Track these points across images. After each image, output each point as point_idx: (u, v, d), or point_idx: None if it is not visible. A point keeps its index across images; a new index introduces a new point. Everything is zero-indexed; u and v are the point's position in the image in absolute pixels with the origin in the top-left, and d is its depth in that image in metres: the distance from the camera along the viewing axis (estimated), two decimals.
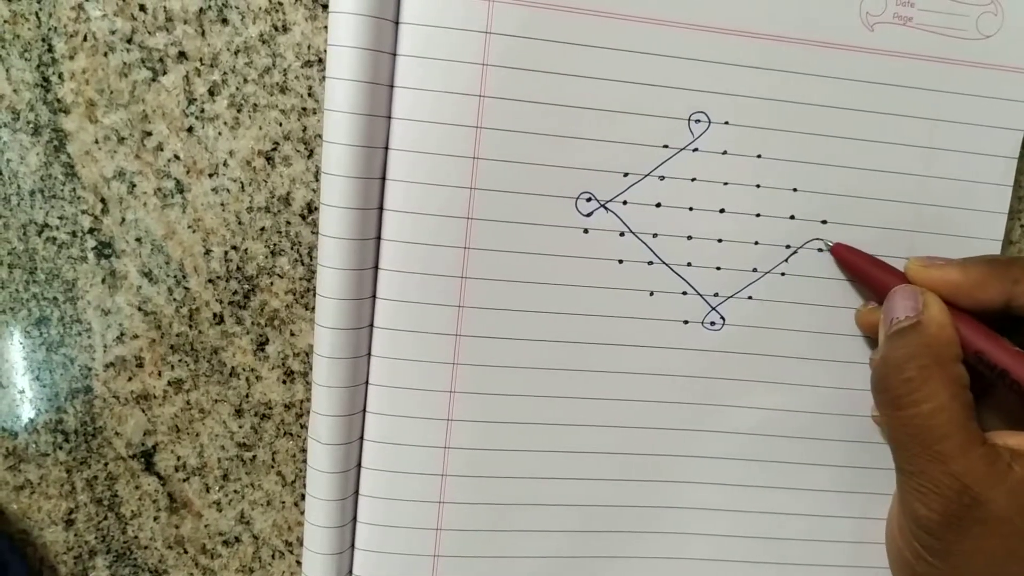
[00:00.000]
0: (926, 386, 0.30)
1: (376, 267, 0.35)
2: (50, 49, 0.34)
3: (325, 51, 0.34)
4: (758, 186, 0.36)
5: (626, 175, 0.35)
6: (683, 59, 0.34)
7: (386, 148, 0.34)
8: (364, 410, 0.36)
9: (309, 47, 0.35)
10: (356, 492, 0.37)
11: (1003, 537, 0.29)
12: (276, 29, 0.34)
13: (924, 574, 0.32)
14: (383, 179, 0.34)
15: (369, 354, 0.35)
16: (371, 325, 0.35)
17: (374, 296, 0.35)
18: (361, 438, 0.36)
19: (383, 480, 0.36)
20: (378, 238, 0.34)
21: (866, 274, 0.35)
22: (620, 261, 0.36)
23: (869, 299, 0.37)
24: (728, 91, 0.35)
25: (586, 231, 0.35)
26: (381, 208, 0.34)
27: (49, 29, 0.34)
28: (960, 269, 0.32)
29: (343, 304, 0.34)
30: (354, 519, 0.37)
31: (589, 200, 0.35)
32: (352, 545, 0.37)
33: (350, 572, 0.37)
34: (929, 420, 0.30)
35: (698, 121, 0.35)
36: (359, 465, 0.36)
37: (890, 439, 0.32)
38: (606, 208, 0.35)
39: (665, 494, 0.38)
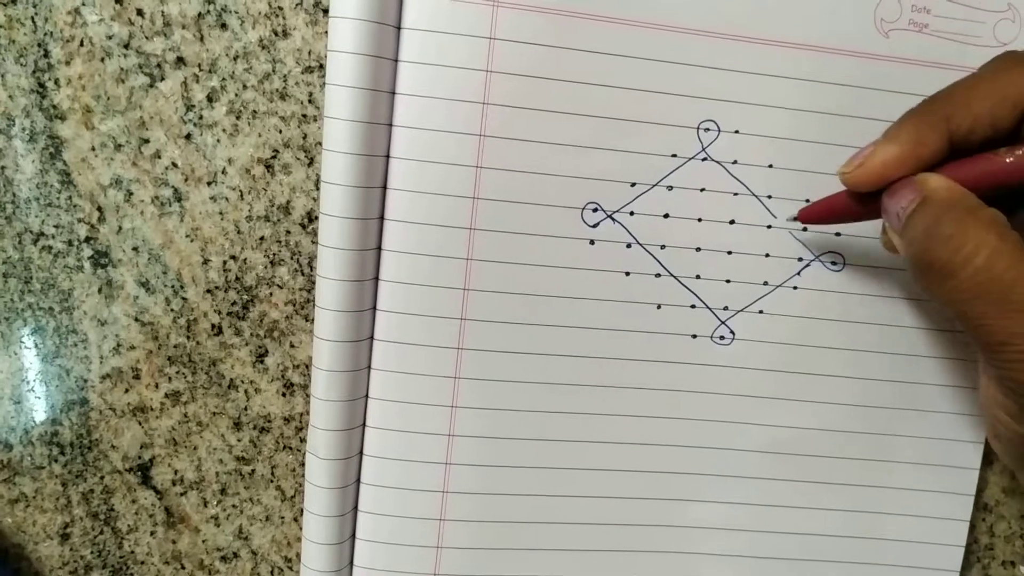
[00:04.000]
0: (969, 237, 0.27)
1: (376, 278, 0.34)
2: (46, 54, 0.34)
3: (326, 57, 0.33)
4: (769, 196, 0.35)
5: (633, 185, 0.34)
6: (692, 66, 0.34)
7: (387, 156, 0.33)
8: (364, 424, 0.35)
9: (310, 53, 0.34)
10: (355, 508, 0.36)
11: None
12: (276, 34, 0.34)
13: None
14: (384, 188, 0.33)
15: (369, 367, 0.35)
16: (371, 337, 0.34)
17: (374, 308, 0.34)
18: (361, 453, 0.35)
19: (383, 496, 0.35)
20: (379, 248, 0.34)
21: (841, 210, 0.33)
22: (627, 273, 0.35)
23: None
24: (738, 99, 0.34)
25: (592, 242, 0.35)
26: (382, 218, 0.33)
27: (45, 34, 0.33)
28: (890, 142, 0.29)
29: (342, 316, 0.33)
30: (353, 536, 0.36)
31: (595, 210, 0.34)
32: (351, 562, 0.36)
33: None
34: (990, 271, 0.26)
35: (707, 130, 0.34)
36: (358, 481, 0.36)
37: (960, 319, 0.28)
38: (613, 219, 0.35)
39: (672, 512, 0.37)
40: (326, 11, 0.34)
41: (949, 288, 0.28)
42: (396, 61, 0.32)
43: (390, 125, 0.33)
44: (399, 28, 0.32)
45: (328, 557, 0.35)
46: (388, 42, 0.32)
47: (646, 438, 0.36)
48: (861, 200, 0.31)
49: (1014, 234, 0.27)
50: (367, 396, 0.35)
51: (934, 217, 0.28)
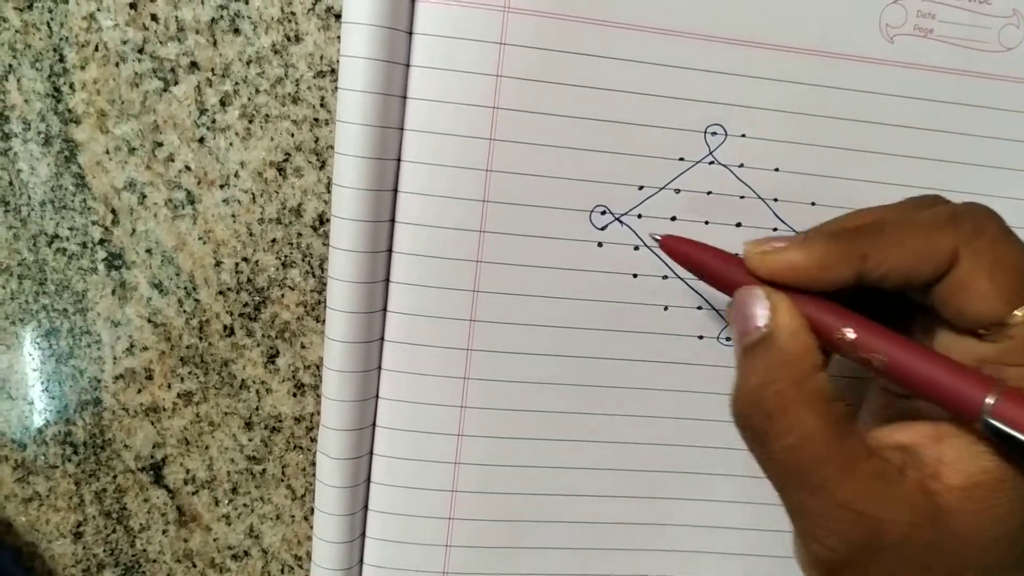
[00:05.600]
0: (787, 415, 0.26)
1: (387, 280, 0.34)
2: (61, 59, 0.34)
3: (338, 61, 0.33)
4: (775, 200, 0.35)
5: (641, 188, 0.35)
6: (700, 71, 0.34)
7: (398, 160, 0.33)
8: (374, 424, 0.35)
9: (322, 57, 0.34)
10: (365, 507, 0.36)
11: (915, 553, 0.25)
12: (288, 39, 0.34)
13: None
14: (395, 191, 0.33)
15: (380, 368, 0.35)
16: (382, 338, 0.35)
17: (385, 309, 0.34)
18: (371, 452, 0.36)
19: (393, 495, 0.36)
20: (389, 250, 0.34)
21: (704, 268, 0.31)
22: (635, 275, 0.35)
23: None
24: (745, 103, 0.34)
25: (600, 245, 0.35)
26: (393, 220, 0.34)
27: (60, 39, 0.34)
28: (802, 250, 0.28)
29: (353, 317, 0.33)
30: (363, 534, 0.36)
31: (604, 213, 0.35)
32: (361, 561, 0.37)
33: None
34: (799, 451, 0.26)
35: (714, 134, 0.35)
36: (368, 480, 0.36)
37: (767, 476, 0.27)
38: (621, 221, 0.35)
39: (680, 512, 0.37)
40: (338, 16, 0.34)
41: (756, 450, 0.27)
42: (407, 66, 0.32)
43: (401, 129, 0.33)
44: (410, 33, 0.32)
45: (338, 555, 0.36)
46: (400, 47, 0.32)
47: (654, 438, 0.37)
48: (742, 276, 0.29)
49: (835, 410, 0.26)
50: (377, 396, 0.35)
51: (764, 380, 0.27)
